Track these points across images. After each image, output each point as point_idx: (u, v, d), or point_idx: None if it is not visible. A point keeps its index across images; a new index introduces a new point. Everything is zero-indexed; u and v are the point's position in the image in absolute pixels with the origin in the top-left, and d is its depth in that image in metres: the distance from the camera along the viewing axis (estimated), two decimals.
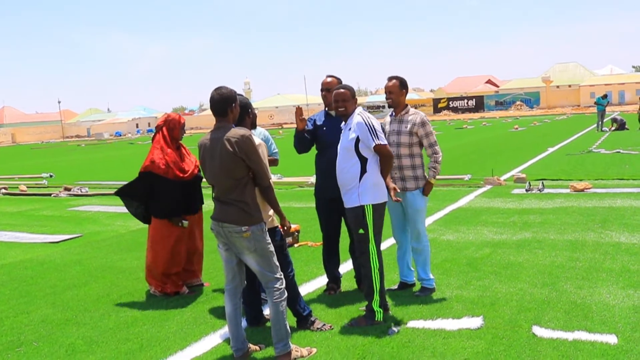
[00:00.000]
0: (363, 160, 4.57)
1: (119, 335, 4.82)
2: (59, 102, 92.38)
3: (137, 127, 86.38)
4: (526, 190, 10.79)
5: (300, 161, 13.66)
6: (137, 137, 67.99)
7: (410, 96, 67.35)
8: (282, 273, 4.16)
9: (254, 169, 4.02)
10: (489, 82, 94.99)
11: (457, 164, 15.85)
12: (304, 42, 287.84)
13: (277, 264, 4.13)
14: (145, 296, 5.84)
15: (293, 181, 14.39)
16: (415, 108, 5.47)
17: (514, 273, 5.78)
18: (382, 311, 4.65)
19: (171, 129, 5.83)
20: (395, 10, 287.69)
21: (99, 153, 37.48)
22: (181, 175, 5.71)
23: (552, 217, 8.38)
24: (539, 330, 4.33)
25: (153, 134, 5.95)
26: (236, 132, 4.00)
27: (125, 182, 6.12)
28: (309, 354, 4.15)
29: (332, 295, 5.46)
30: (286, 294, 4.14)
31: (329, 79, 5.37)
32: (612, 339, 4.11)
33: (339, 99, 4.74)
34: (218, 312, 5.19)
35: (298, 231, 7.78)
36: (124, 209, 6.25)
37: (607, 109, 31.44)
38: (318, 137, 5.39)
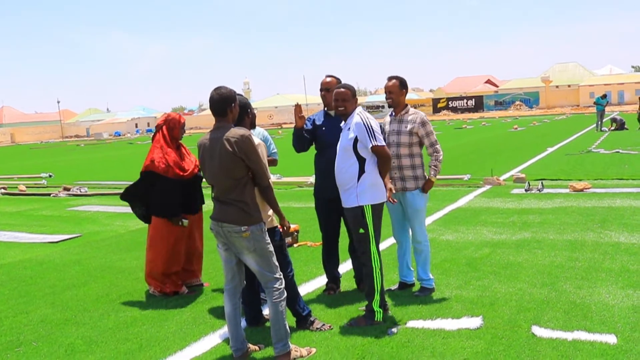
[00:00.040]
0: (361, 161, 4.57)
1: (118, 335, 4.81)
2: (59, 102, 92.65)
3: (136, 127, 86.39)
4: (525, 190, 10.79)
5: (299, 161, 13.67)
6: (137, 137, 67.97)
7: (410, 96, 67.19)
8: (281, 273, 4.16)
9: (254, 168, 4.02)
10: (489, 82, 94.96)
11: (457, 164, 15.84)
12: (304, 42, 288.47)
13: (277, 264, 4.13)
14: (145, 296, 5.84)
15: (292, 181, 14.38)
16: (415, 108, 5.47)
17: (514, 273, 5.78)
18: (381, 311, 4.64)
19: (171, 129, 5.83)
20: (395, 10, 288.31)
21: (98, 153, 37.48)
22: (181, 174, 5.71)
23: (551, 217, 8.38)
24: (538, 330, 4.33)
25: (153, 134, 5.96)
26: (236, 132, 3.99)
27: (125, 183, 6.12)
28: (308, 354, 4.15)
29: (332, 295, 5.46)
30: (285, 294, 4.14)
31: (329, 79, 5.37)
32: (611, 339, 4.11)
33: (339, 98, 4.73)
34: (217, 312, 5.19)
35: (297, 231, 7.78)
36: (124, 209, 6.27)
37: (607, 109, 31.43)
38: (317, 137, 5.39)
